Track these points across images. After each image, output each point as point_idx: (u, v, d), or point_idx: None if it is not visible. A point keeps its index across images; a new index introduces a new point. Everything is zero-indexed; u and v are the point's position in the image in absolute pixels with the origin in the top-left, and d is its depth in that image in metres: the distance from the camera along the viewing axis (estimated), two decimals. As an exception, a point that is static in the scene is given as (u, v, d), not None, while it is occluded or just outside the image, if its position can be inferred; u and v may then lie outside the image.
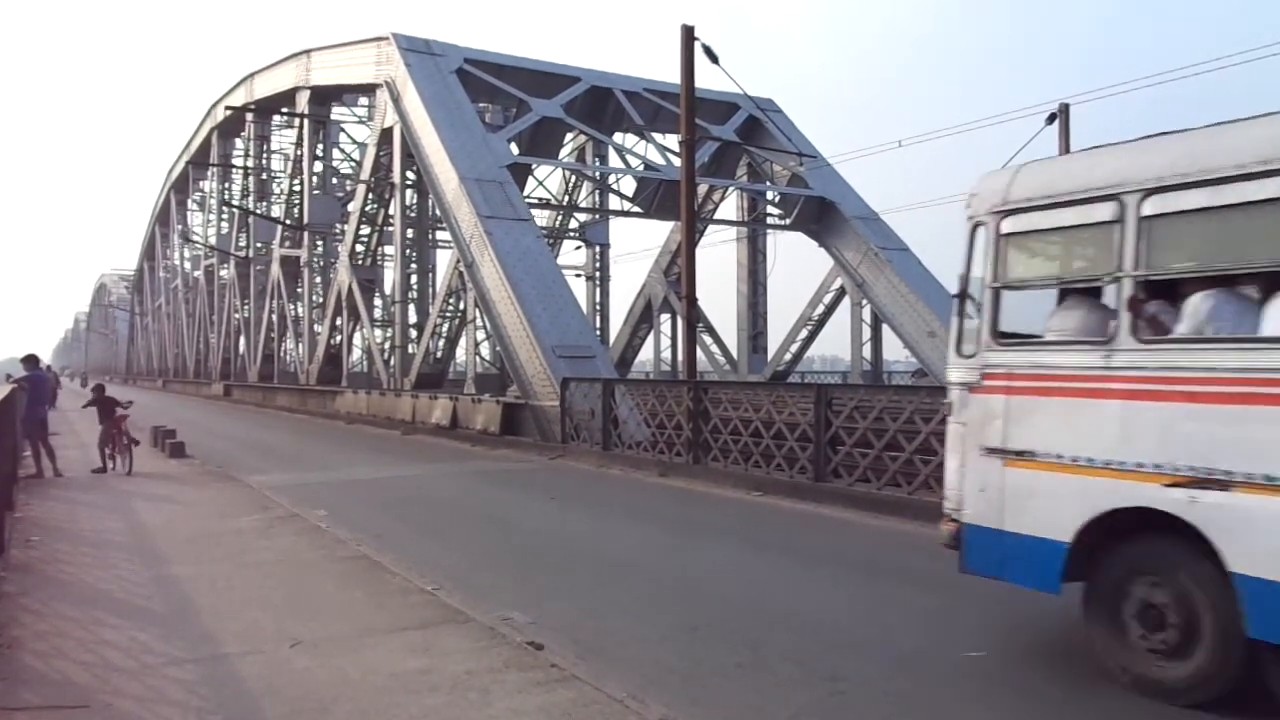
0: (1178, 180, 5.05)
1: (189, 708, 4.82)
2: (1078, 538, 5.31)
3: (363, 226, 33.64)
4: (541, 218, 33.51)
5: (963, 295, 6.13)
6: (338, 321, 34.83)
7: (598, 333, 34.32)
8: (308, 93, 36.17)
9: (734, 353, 35.22)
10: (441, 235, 37.38)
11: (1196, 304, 5.07)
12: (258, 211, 44.57)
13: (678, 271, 28.47)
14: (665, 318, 35.98)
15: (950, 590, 8.06)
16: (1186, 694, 5.01)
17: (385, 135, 29.53)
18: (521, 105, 28.25)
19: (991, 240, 5.95)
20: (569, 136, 32.20)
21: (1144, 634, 5.17)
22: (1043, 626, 6.94)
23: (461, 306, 29.10)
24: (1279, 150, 4.68)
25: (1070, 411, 5.48)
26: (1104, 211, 5.36)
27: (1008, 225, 5.87)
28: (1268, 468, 4.57)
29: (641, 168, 29.06)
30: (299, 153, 38.97)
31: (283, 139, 44.80)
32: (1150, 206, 5.14)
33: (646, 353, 38.18)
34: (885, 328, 30.06)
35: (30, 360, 15.74)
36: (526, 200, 26.42)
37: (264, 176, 45.84)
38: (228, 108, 44.40)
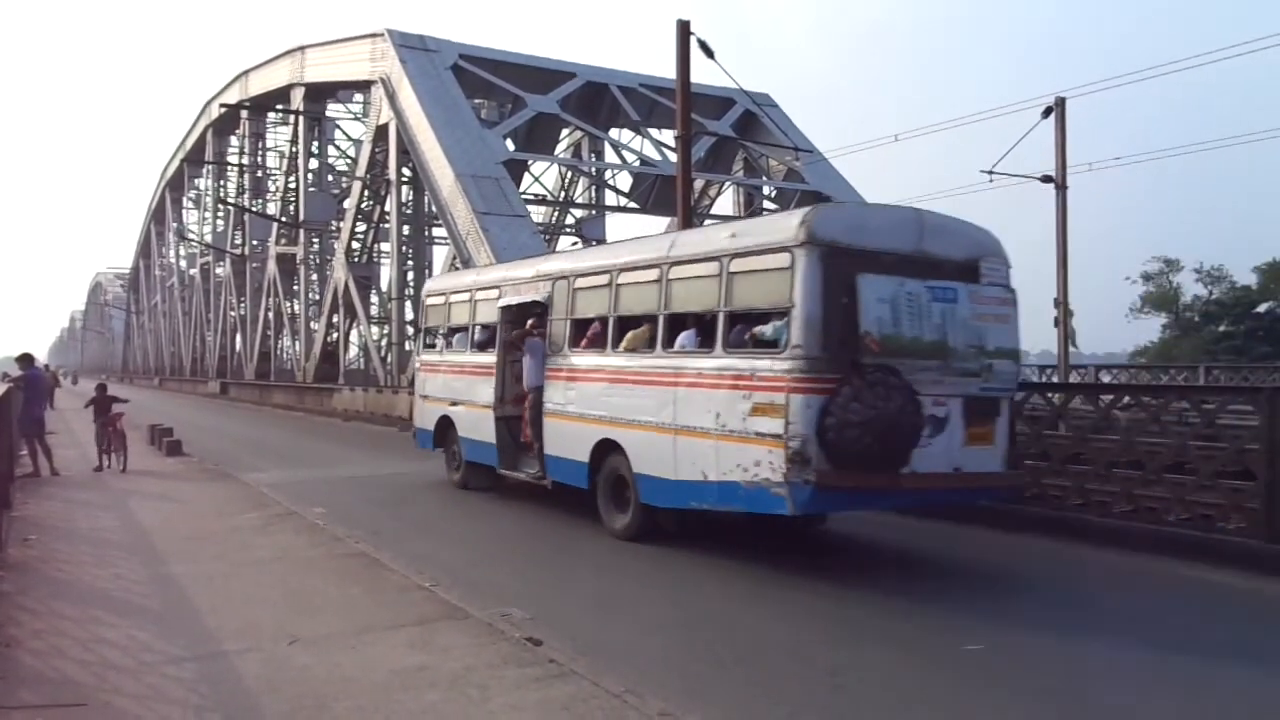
0: (481, 286, 12.92)
1: (188, 706, 4.81)
2: (591, 456, 9.79)
3: (359, 223, 33.60)
4: (537, 214, 33.48)
5: (418, 331, 15.48)
6: (334, 319, 34.80)
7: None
8: (302, 89, 36.09)
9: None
10: (438, 232, 37.28)
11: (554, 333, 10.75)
12: (253, 209, 44.50)
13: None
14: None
15: (948, 583, 8.07)
16: (625, 534, 9.41)
17: (381, 132, 29.49)
18: (517, 101, 28.22)
19: (423, 309, 14.76)
20: (565, 132, 32.17)
21: (614, 502, 9.61)
22: (1039, 620, 6.96)
23: (458, 303, 29.05)
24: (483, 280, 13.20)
25: (561, 385, 10.50)
26: (460, 297, 13.46)
27: (428, 302, 14.70)
28: (645, 417, 8.98)
29: (637, 163, 29.05)
30: (294, 150, 38.91)
31: (278, 136, 44.79)
32: (442, 299, 14.16)
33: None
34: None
35: (25, 359, 15.69)
36: (522, 196, 26.41)
37: (259, 174, 45.78)
38: (222, 105, 44.29)
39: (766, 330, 7.78)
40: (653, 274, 9.24)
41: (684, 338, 8.74)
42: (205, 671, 5.33)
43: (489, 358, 12.15)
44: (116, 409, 15.72)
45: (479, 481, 12.67)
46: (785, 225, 7.77)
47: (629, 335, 9.46)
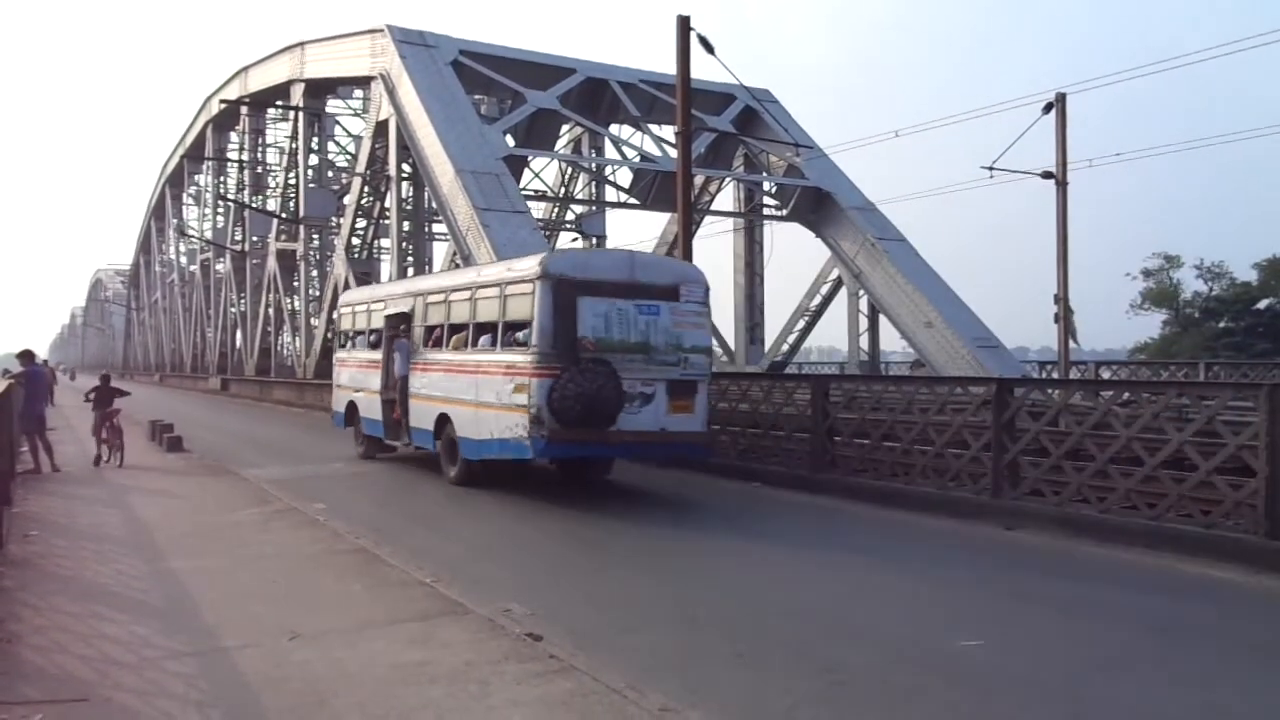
0: (374, 300, 16.82)
1: (188, 701, 4.83)
2: (435, 426, 13.04)
3: (358, 219, 33.55)
4: (537, 210, 33.42)
5: (333, 334, 21.16)
6: (334, 315, 34.78)
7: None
8: (302, 85, 36.01)
9: (731, 344, 35.18)
10: (438, 228, 37.23)
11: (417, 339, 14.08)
12: (253, 205, 44.43)
13: (674, 263, 28.39)
14: (662, 309, 35.89)
15: (947, 579, 8.09)
16: (456, 480, 12.55)
17: (380, 128, 29.43)
18: (517, 97, 28.15)
19: (337, 316, 19.76)
20: (565, 128, 32.10)
21: (449, 459, 12.78)
22: (1040, 616, 6.98)
23: (458, 299, 29.03)
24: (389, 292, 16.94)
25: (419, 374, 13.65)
26: (360, 308, 17.36)
27: (340, 311, 19.25)
28: (463, 396, 12.21)
29: (638, 159, 29.00)
30: (294, 146, 38.82)
31: (277, 132, 44.66)
32: (349, 309, 18.21)
33: (644, 344, 38.13)
34: (882, 318, 30.04)
35: (26, 355, 15.70)
36: (522, 192, 26.37)
37: (259, 170, 45.69)
38: (222, 101, 44.20)
39: (520, 335, 11.39)
40: (466, 294, 12.96)
41: (483, 340, 12.27)
42: (206, 667, 5.34)
43: (378, 354, 15.73)
44: (117, 402, 15.76)
45: (373, 451, 16.15)
46: (531, 264, 11.46)
47: (454, 338, 13.09)
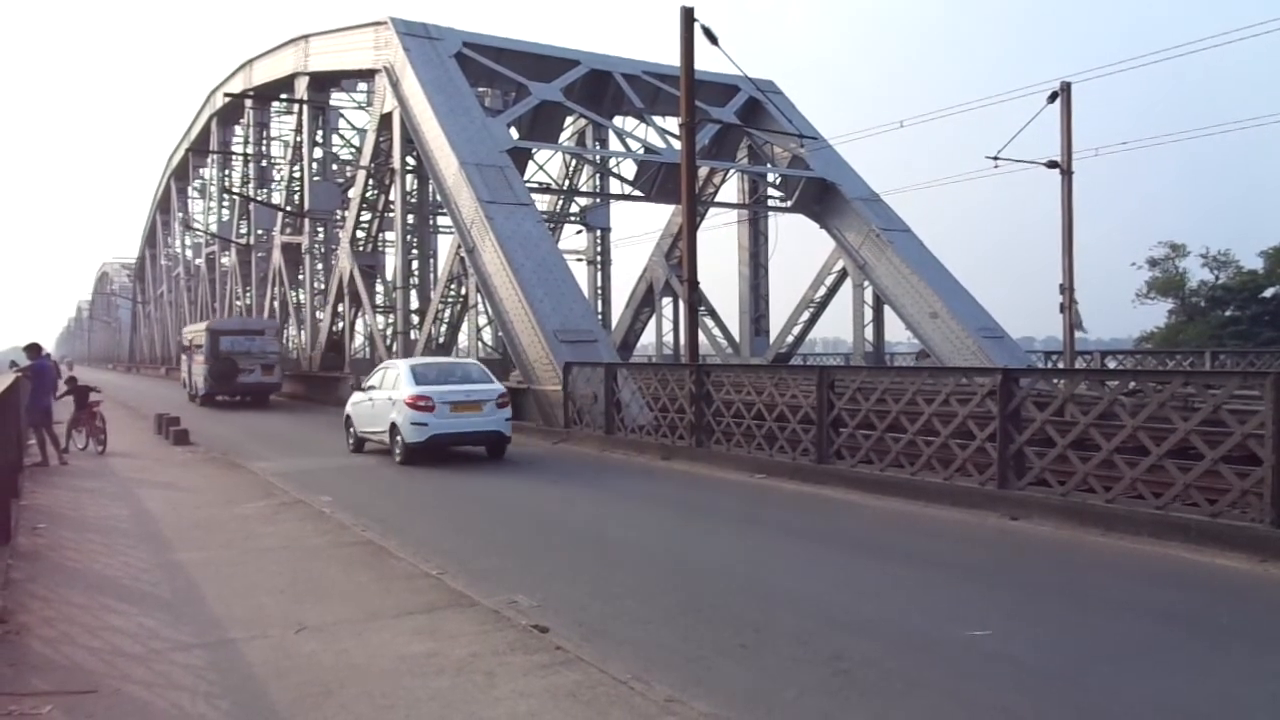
0: (192, 332, 37.39)
1: (196, 692, 4.85)
2: (192, 382, 34.17)
3: (363, 212, 33.56)
4: (542, 202, 33.40)
5: (181, 349, 44.37)
6: (340, 308, 34.81)
7: (599, 317, 34.28)
8: (307, 78, 36.00)
9: (736, 335, 35.17)
10: (442, 220, 37.28)
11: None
12: (258, 198, 44.48)
13: (679, 255, 28.40)
14: (667, 301, 35.89)
15: (953, 569, 8.10)
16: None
17: (385, 120, 29.41)
18: (521, 89, 28.10)
19: (185, 337, 40.98)
20: (569, 120, 32.04)
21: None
22: (1046, 606, 6.98)
23: (463, 292, 29.07)
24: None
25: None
26: (187, 334, 38.98)
27: (184, 334, 41.12)
28: (194, 372, 34.74)
29: (642, 151, 28.93)
30: (298, 139, 38.80)
31: (282, 125, 44.63)
32: (189, 333, 38.53)
33: (648, 336, 38.15)
34: (887, 309, 29.99)
35: (33, 349, 15.77)
36: (527, 185, 26.31)
37: (264, 163, 45.70)
38: (226, 94, 44.21)
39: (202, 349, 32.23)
40: (192, 335, 35.58)
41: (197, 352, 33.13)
42: (213, 658, 5.37)
43: (195, 361, 33.23)
44: (94, 397, 16.73)
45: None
46: (202, 325, 34.38)
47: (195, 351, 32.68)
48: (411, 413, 14.90)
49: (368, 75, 32.46)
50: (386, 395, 15.80)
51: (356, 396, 17.37)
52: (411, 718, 4.48)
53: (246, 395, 31.87)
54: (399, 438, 15.21)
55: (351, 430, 17.51)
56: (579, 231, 37.74)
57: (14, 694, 4.72)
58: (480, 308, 26.37)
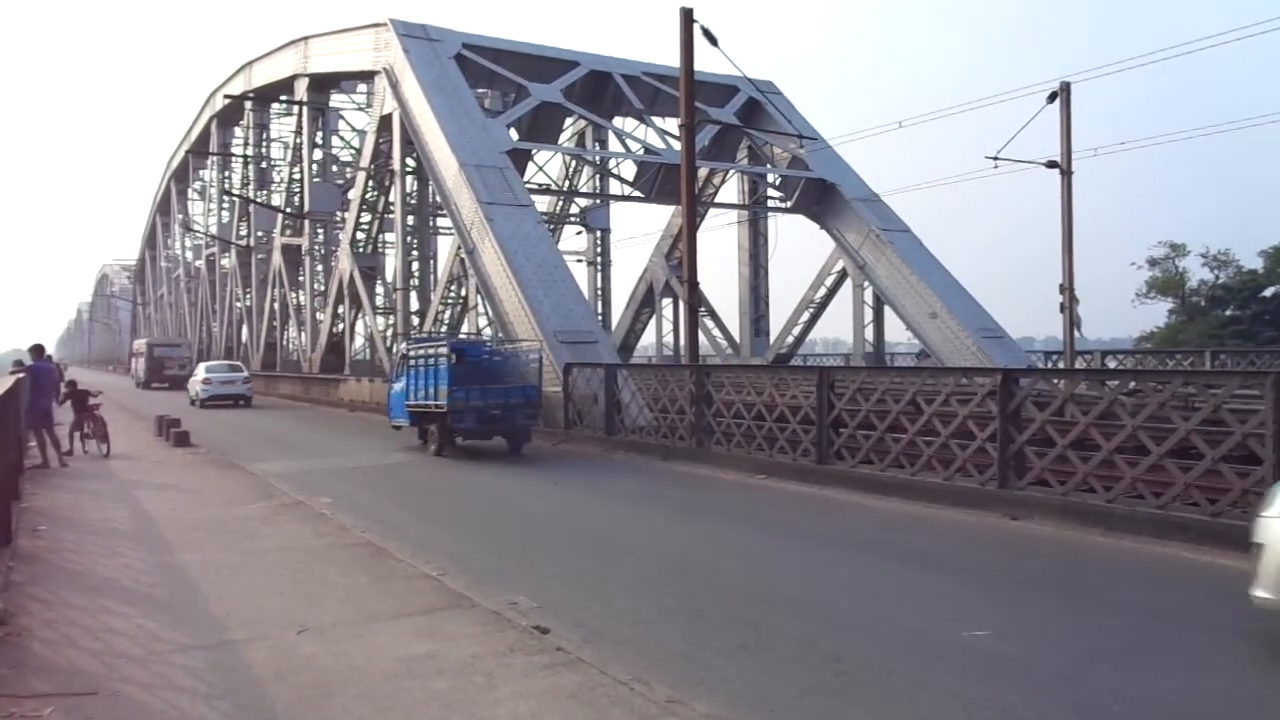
0: (140, 345, 57.45)
1: (196, 694, 4.85)
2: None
3: (363, 214, 33.58)
4: (542, 203, 33.40)
5: (132, 355, 66.90)
6: (340, 309, 34.82)
7: (599, 318, 34.29)
8: (306, 80, 36.03)
9: (736, 336, 35.18)
10: (442, 222, 37.27)
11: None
12: (258, 200, 44.49)
13: (679, 256, 28.44)
14: (667, 302, 35.93)
15: (953, 570, 8.10)
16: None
17: (384, 122, 29.41)
18: (520, 90, 28.11)
19: (132, 350, 64.75)
20: (568, 121, 32.05)
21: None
22: (1046, 606, 6.98)
23: (463, 293, 29.05)
24: None
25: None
26: (134, 347, 63.40)
27: (134, 346, 63.83)
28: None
29: (641, 152, 28.95)
30: (298, 140, 38.83)
31: (282, 127, 44.67)
32: (137, 347, 59.65)
33: (649, 337, 38.20)
34: (887, 309, 29.99)
35: (36, 350, 15.80)
36: (526, 186, 26.33)
37: (264, 165, 45.74)
38: (226, 96, 44.24)
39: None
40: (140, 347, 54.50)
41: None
42: (213, 660, 5.36)
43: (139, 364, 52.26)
44: (93, 401, 16.69)
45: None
46: (143, 341, 56.06)
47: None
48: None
49: (367, 77, 32.50)
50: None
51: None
52: (412, 719, 4.48)
53: (167, 384, 46.41)
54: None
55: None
56: (579, 232, 37.78)
57: (15, 696, 4.72)
58: (480, 309, 26.38)
